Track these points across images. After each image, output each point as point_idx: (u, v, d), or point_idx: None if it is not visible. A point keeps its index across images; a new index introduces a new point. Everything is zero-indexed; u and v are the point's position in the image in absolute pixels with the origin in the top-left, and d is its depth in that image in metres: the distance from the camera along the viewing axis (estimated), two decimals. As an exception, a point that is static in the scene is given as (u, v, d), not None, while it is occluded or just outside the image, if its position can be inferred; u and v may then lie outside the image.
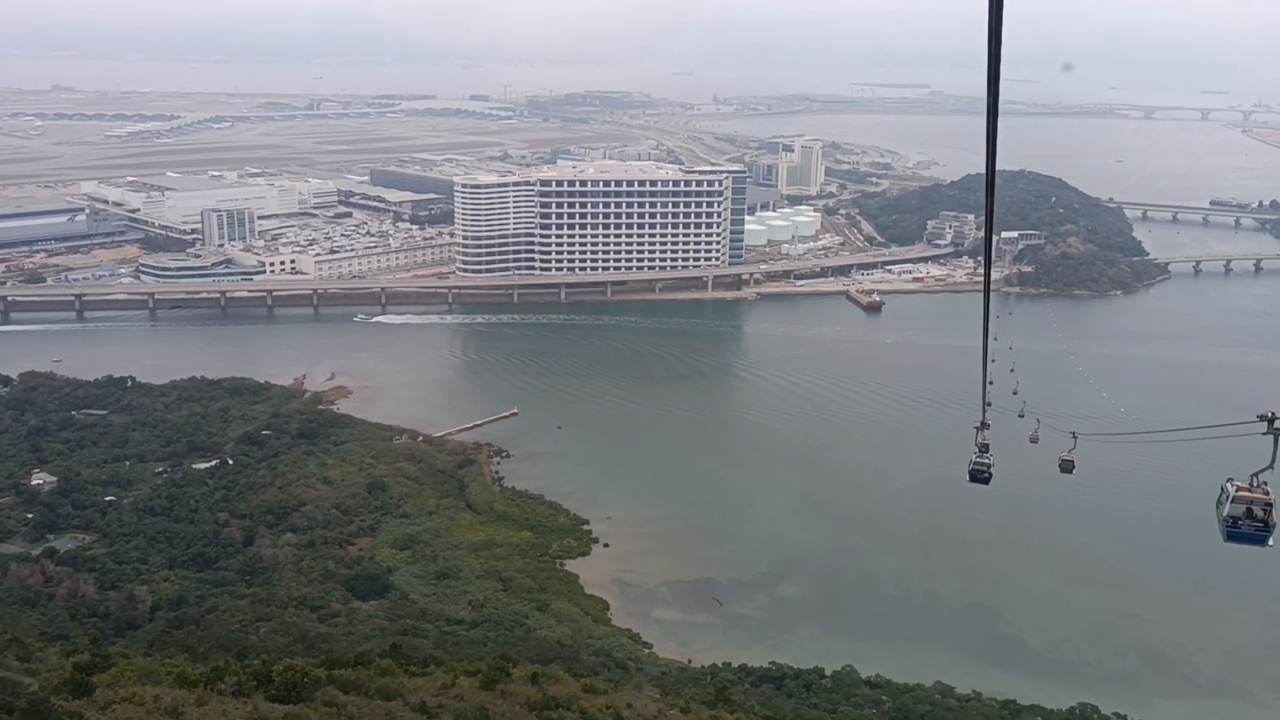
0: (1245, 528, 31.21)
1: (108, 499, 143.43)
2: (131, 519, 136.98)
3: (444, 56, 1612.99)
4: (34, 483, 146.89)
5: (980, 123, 18.67)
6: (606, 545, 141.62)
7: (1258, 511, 30.74)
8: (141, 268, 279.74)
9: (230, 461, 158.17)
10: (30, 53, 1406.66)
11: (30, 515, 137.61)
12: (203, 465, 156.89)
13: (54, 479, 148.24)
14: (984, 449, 57.68)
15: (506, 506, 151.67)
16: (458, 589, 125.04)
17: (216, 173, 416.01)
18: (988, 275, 42.05)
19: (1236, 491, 31.18)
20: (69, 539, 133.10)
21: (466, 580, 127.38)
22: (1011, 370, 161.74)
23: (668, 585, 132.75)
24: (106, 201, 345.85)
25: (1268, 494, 30.60)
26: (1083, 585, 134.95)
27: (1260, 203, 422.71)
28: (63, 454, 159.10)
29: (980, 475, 57.73)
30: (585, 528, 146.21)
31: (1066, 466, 72.81)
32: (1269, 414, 28.90)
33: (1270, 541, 31.18)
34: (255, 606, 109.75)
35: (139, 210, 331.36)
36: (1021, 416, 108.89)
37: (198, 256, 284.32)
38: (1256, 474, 30.99)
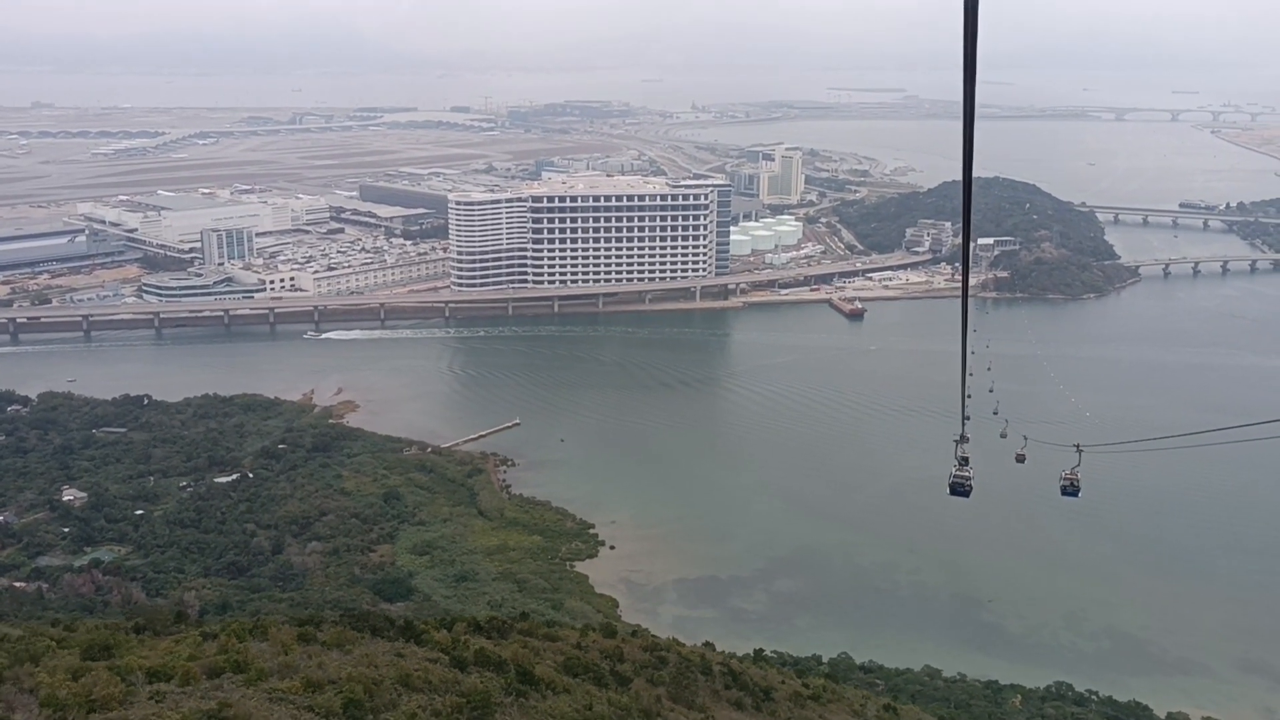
0: (1069, 491, 64.72)
1: (138, 512, 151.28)
2: (164, 531, 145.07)
3: (421, 65, 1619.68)
4: (65, 498, 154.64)
5: (955, 127, 18.39)
6: (613, 547, 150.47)
7: (1076, 483, 64.43)
8: (144, 287, 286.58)
9: (250, 475, 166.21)
10: (5, 67, 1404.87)
11: (66, 529, 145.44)
12: (224, 479, 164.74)
13: (84, 494, 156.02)
14: (964, 462, 57.84)
15: (516, 513, 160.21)
16: (476, 590, 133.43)
17: (207, 190, 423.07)
18: (965, 300, 43.95)
19: (1065, 474, 64.22)
20: (106, 551, 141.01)
21: (484, 582, 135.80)
22: (988, 369, 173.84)
23: (673, 583, 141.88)
24: (104, 222, 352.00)
25: (1078, 476, 63.86)
26: (1058, 575, 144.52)
27: (1227, 204, 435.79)
28: (89, 470, 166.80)
29: (960, 489, 58.37)
30: (592, 531, 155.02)
31: (1021, 459, 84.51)
32: (1077, 444, 60.36)
33: (1080, 494, 65.12)
34: (294, 609, 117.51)
35: (136, 230, 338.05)
36: (995, 414, 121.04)
37: (199, 275, 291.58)
38: (1074, 468, 63.39)
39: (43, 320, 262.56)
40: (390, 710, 31.78)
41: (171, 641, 36.56)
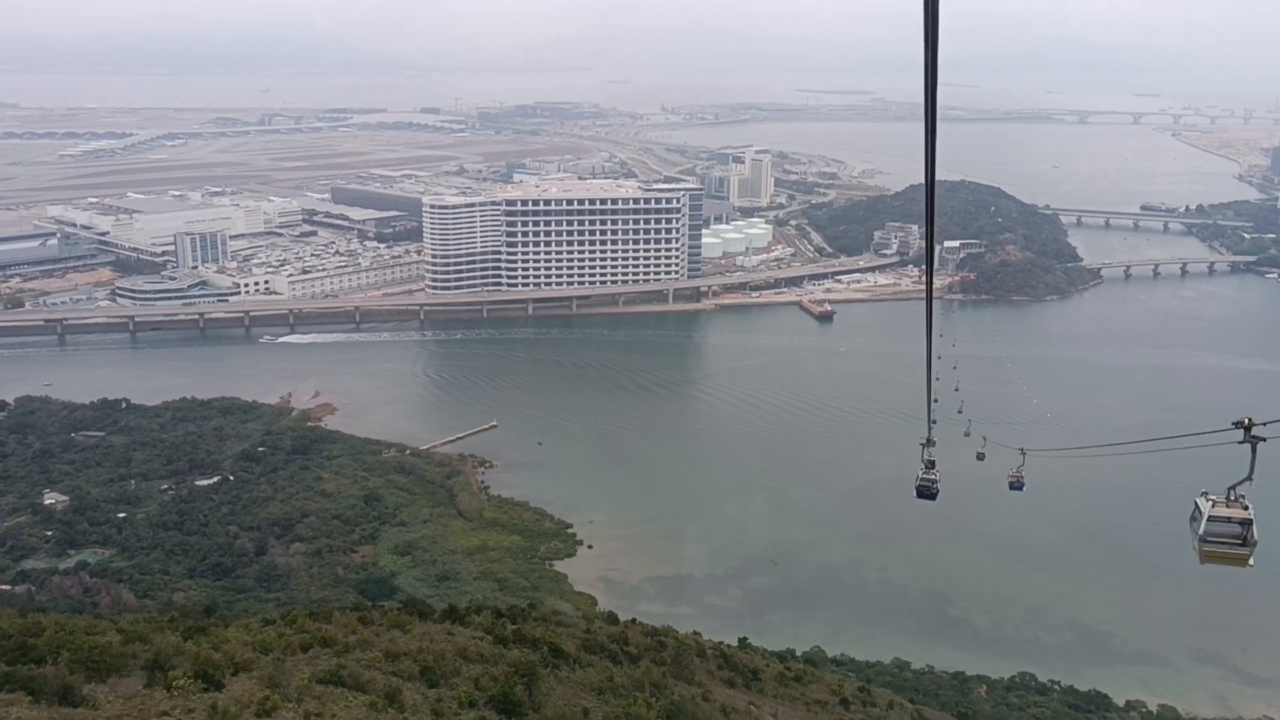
0: (1016, 486, 74.75)
1: (120, 515, 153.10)
2: (147, 534, 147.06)
3: (389, 65, 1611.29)
4: (47, 502, 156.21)
5: (922, 130, 17.87)
6: (590, 547, 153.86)
7: (1021, 480, 74.86)
8: (118, 291, 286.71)
9: (231, 478, 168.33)
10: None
11: (49, 533, 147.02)
12: (205, 482, 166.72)
13: (65, 498, 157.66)
14: (930, 465, 58.09)
15: (495, 513, 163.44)
16: (458, 590, 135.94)
17: (178, 192, 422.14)
18: (930, 306, 39.55)
19: (1011, 473, 74.76)
20: (90, 553, 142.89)
21: (465, 581, 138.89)
22: (954, 369, 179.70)
23: (649, 581, 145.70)
24: (74, 224, 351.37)
25: (1022, 475, 74.89)
26: (1022, 571, 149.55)
27: (1187, 207, 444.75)
28: (70, 474, 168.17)
29: (927, 492, 58.50)
30: (570, 531, 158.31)
31: (981, 457, 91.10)
32: (1021, 448, 73.54)
33: (1024, 489, 76.16)
34: (282, 609, 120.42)
35: (108, 233, 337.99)
36: (960, 413, 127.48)
37: (173, 279, 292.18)
38: (1019, 467, 73.69)
39: (16, 324, 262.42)
40: (456, 676, 35.86)
41: (237, 627, 40.39)
